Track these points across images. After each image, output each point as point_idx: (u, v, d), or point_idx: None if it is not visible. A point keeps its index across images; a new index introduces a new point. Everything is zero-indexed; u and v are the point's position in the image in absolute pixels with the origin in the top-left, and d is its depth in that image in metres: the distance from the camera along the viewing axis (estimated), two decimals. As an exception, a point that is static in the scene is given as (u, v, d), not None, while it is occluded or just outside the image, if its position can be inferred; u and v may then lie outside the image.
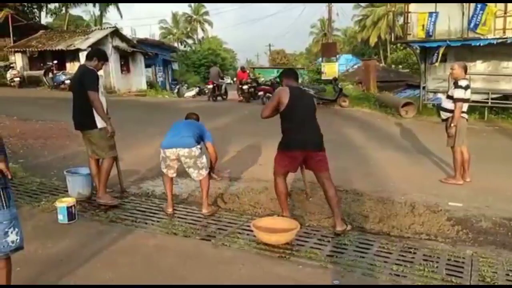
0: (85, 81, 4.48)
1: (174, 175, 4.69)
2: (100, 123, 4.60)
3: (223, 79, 20.12)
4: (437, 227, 4.36)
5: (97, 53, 4.82)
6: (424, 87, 14.48)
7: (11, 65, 20.11)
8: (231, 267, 3.40)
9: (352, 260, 3.53)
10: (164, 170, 4.62)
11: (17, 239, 2.49)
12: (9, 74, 18.68)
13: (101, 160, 4.74)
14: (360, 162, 7.28)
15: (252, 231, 3.90)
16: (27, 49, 20.66)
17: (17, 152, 7.06)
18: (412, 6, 13.81)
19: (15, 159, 6.39)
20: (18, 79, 18.36)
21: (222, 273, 3.31)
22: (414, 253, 3.69)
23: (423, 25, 13.39)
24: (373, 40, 45.84)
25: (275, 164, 4.33)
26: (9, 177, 2.43)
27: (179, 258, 3.54)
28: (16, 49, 20.92)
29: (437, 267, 3.40)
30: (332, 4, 26.57)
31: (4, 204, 2.43)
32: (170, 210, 4.58)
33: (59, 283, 3.06)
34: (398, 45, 30.32)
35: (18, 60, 20.82)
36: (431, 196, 5.33)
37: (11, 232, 2.46)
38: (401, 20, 18.99)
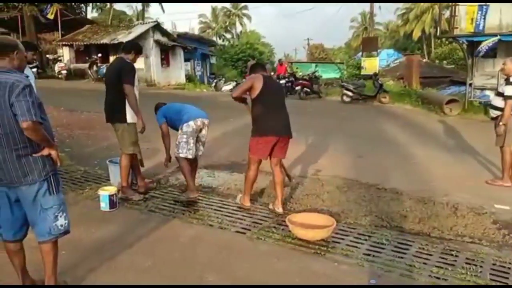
0: (123, 74, 4.47)
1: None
2: (130, 118, 4.58)
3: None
4: (481, 230, 4.18)
5: (135, 47, 4.83)
6: (470, 84, 13.87)
7: (59, 58, 21.02)
8: (266, 261, 3.41)
9: (390, 260, 3.45)
10: (185, 152, 4.61)
11: (65, 223, 2.63)
12: (57, 67, 19.53)
13: (120, 155, 4.74)
14: (400, 160, 7.09)
15: (287, 226, 3.89)
16: (74, 43, 21.49)
17: (64, 141, 7.39)
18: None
19: (61, 148, 6.68)
20: (65, 71, 19.17)
21: (257, 266, 3.32)
22: (456, 256, 3.56)
23: (472, 19, 12.75)
24: (416, 34, 44.23)
25: (251, 151, 4.37)
26: (58, 164, 2.55)
27: (215, 250, 3.59)
28: (63, 43, 21.82)
29: (480, 271, 3.27)
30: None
31: (54, 190, 2.56)
32: (196, 194, 4.65)
33: (101, 267, 3.18)
34: (443, 39, 29.15)
35: (66, 53, 21.73)
36: (476, 197, 5.10)
37: (60, 216, 2.59)
38: (447, 13, 18.24)
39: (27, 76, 2.48)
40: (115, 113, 4.60)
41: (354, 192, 5.24)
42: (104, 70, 18.64)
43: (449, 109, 13.04)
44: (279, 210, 4.43)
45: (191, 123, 4.64)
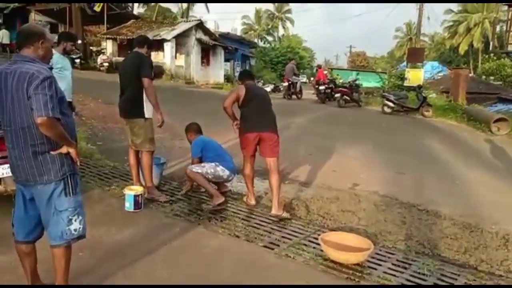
0: (142, 68, 4.32)
1: None
2: (147, 113, 4.45)
3: (298, 76, 19.68)
4: (537, 268, 3.73)
5: (148, 41, 4.69)
6: (522, 103, 13.05)
7: (102, 51, 21.48)
8: (294, 283, 3.12)
9: (432, 295, 3.09)
10: (199, 170, 4.67)
11: (80, 228, 2.43)
12: (100, 59, 19.91)
13: (140, 154, 4.59)
14: (443, 180, 6.60)
15: (319, 244, 3.59)
16: (118, 37, 21.93)
17: (97, 134, 7.35)
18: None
19: (93, 141, 6.65)
20: (107, 64, 19.51)
21: (284, 288, 3.05)
22: (508, 297, 3.16)
23: (528, 34, 12.02)
24: (463, 48, 42.67)
25: (241, 148, 4.72)
26: (78, 164, 2.37)
27: (239, 265, 3.34)
28: (108, 36, 22.32)
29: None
30: (424, 6, 25.00)
31: (71, 191, 2.38)
32: (222, 198, 4.52)
33: (117, 274, 2.99)
34: (491, 55, 27.81)
35: (109, 46, 22.21)
36: (530, 229, 4.61)
37: (75, 220, 2.40)
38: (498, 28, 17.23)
39: (51, 68, 2.30)
40: (133, 108, 4.45)
41: (393, 212, 4.86)
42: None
43: (497, 128, 12.26)
44: (272, 212, 4.41)
45: (228, 173, 4.80)
